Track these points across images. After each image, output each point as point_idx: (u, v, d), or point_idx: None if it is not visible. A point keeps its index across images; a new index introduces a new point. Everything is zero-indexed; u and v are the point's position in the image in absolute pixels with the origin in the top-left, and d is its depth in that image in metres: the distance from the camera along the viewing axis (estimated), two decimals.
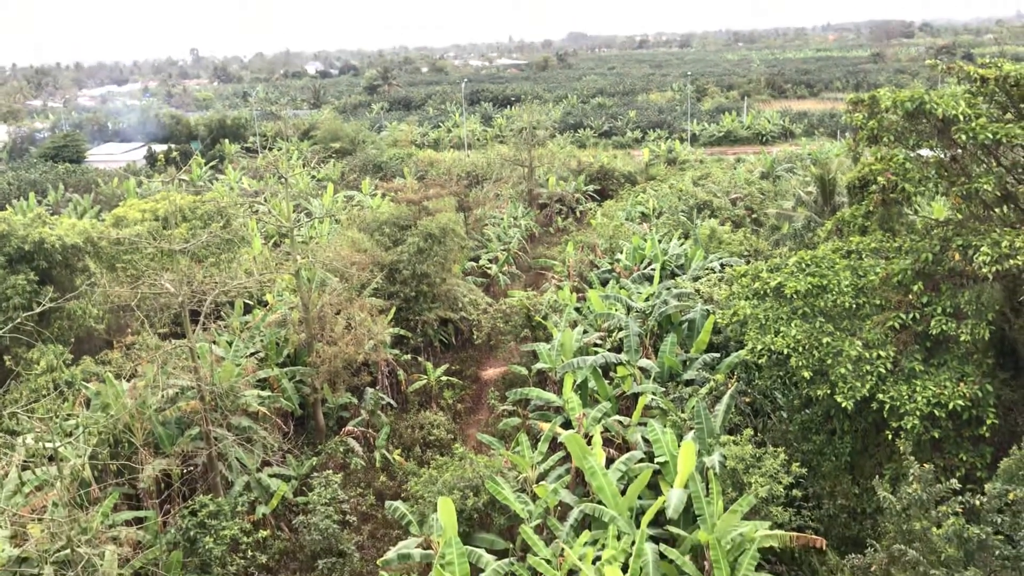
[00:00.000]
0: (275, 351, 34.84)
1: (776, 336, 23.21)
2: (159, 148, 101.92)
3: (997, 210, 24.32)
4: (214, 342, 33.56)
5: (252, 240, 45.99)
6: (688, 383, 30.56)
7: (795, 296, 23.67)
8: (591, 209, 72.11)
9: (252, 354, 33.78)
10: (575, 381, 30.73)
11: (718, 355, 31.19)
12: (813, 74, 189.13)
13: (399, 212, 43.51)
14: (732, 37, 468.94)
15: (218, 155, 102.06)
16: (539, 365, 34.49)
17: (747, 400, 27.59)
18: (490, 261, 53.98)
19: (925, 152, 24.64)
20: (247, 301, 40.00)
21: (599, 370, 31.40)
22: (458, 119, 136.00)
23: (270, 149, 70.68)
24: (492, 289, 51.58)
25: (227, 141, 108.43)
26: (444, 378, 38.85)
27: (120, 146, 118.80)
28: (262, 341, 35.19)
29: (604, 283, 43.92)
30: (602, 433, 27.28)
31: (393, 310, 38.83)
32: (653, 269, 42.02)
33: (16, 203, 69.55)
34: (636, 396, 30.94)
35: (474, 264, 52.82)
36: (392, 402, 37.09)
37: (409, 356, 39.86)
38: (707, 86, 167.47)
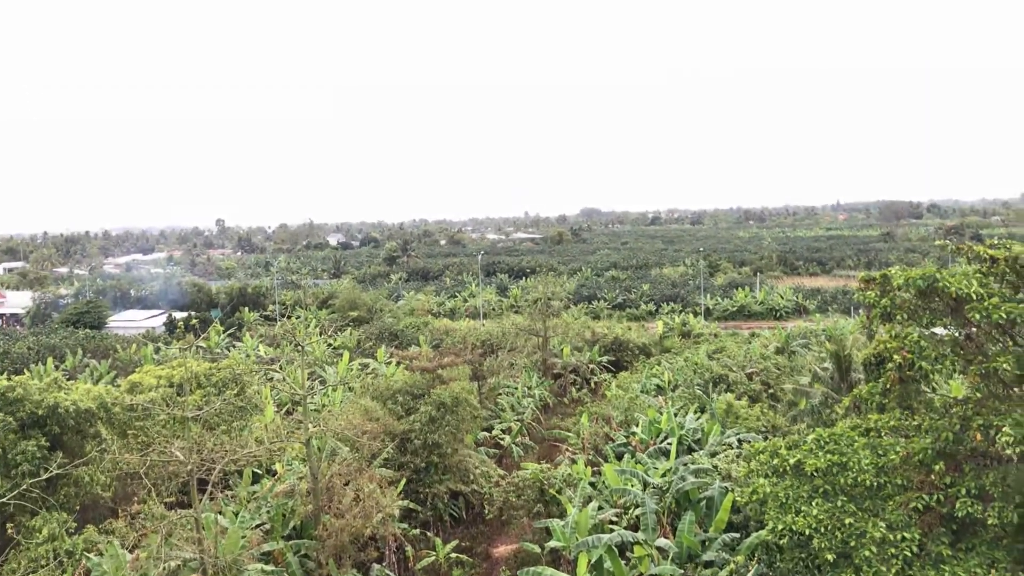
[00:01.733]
0: (281, 523, 34.01)
1: (797, 516, 22.52)
2: (179, 315, 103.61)
3: (1016, 389, 24.10)
4: (220, 512, 32.86)
5: (265, 408, 45.91)
6: (708, 564, 29.42)
7: (815, 474, 23.14)
8: (606, 380, 71.92)
9: (258, 526, 32.97)
10: (590, 560, 29.64)
11: (738, 535, 30.18)
12: (824, 252, 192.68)
13: (412, 380, 43.48)
14: (743, 215, 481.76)
15: (237, 323, 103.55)
16: (552, 543, 33.40)
17: None
18: (503, 431, 53.39)
19: (939, 330, 24.69)
20: (256, 470, 39.43)
21: (615, 549, 30.35)
22: (474, 289, 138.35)
23: (288, 317, 71.68)
24: (505, 461, 50.75)
25: (247, 309, 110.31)
26: (453, 555, 37.59)
27: (141, 312, 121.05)
28: (268, 512, 34.42)
29: (619, 457, 43.18)
30: None
31: (403, 481, 38.10)
32: (670, 443, 41.37)
33: (34, 368, 70.13)
34: None
35: (487, 434, 52.20)
36: None
37: (418, 530, 38.74)
38: (719, 262, 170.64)
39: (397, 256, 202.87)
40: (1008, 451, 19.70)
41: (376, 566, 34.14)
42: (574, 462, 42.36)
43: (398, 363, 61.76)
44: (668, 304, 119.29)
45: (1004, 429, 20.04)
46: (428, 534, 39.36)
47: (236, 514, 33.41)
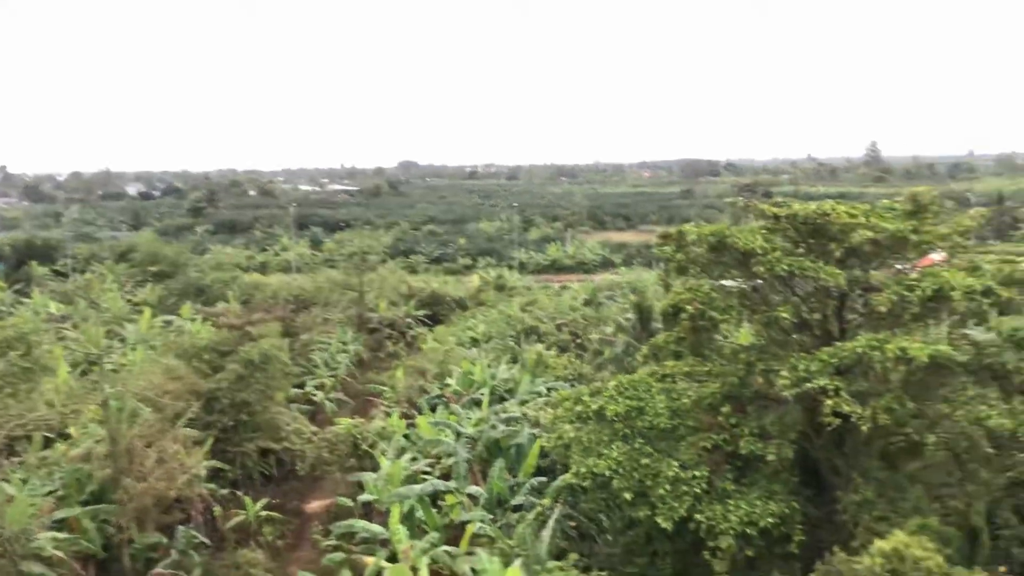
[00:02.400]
0: (76, 488, 32.17)
1: (599, 459, 23.69)
2: None
3: (795, 336, 26.28)
4: (5, 480, 30.66)
5: (57, 368, 43.03)
6: (516, 508, 30.45)
7: (615, 419, 24.38)
8: (422, 334, 72.22)
9: (50, 492, 31.04)
10: (402, 511, 29.98)
11: (545, 479, 31.37)
12: (631, 208, 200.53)
13: (220, 338, 42.03)
14: (556, 171, 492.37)
15: (25, 278, 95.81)
16: (365, 496, 33.50)
17: (573, 524, 27.74)
18: (316, 388, 52.65)
19: (729, 283, 26.46)
20: (48, 434, 36.98)
21: (427, 499, 30.84)
22: (286, 243, 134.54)
23: (83, 272, 67.12)
24: (318, 417, 50.10)
25: (35, 263, 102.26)
26: (264, 513, 36.92)
27: None
28: (62, 478, 32.46)
29: (433, 409, 43.67)
30: (430, 565, 26.57)
31: (210, 441, 36.90)
32: (482, 394, 42.25)
33: None
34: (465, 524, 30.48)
35: (299, 391, 51.27)
36: (206, 540, 34.76)
37: (227, 490, 37.72)
38: (533, 217, 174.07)
39: (203, 207, 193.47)
40: (785, 393, 21.50)
41: (182, 528, 33.05)
42: (388, 415, 42.49)
43: (204, 320, 59.40)
44: (484, 258, 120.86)
45: (782, 373, 21.85)
46: (238, 493, 38.40)
47: (24, 481, 31.29)
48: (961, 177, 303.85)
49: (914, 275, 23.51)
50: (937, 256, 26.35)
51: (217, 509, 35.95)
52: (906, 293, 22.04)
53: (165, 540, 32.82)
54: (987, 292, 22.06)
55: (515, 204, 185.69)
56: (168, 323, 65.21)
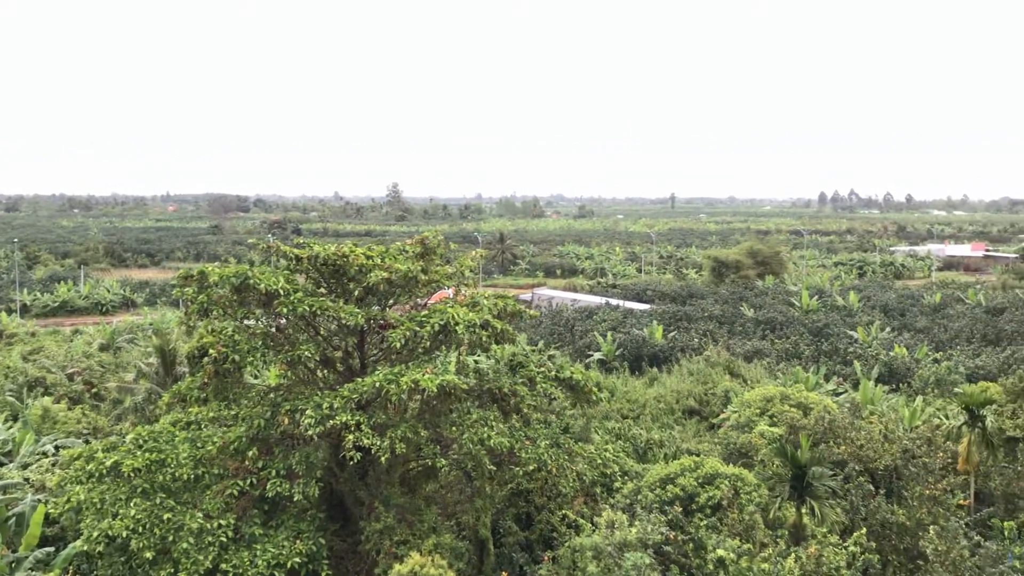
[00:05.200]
0: None
1: (115, 519, 21.95)
2: None
3: (320, 374, 26.97)
4: None
5: None
6: None
7: (133, 474, 22.78)
8: None
9: None
10: None
11: (53, 549, 28.11)
12: (154, 243, 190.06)
13: None
14: (67, 203, 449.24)
15: None
16: None
17: None
18: None
19: (253, 323, 26.31)
20: None
21: None
22: None
23: None
24: None
25: None
26: None
27: None
28: None
29: None
30: None
31: None
32: None
33: None
34: None
35: None
36: None
37: None
38: (39, 253, 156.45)
39: None
40: (310, 432, 21.88)
41: None
42: None
43: None
44: None
45: (307, 412, 22.22)
46: None
47: None
48: (471, 217, 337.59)
49: (425, 312, 25.52)
50: (450, 292, 28.89)
51: None
52: (418, 328, 23.84)
53: None
54: (485, 325, 24.75)
55: (15, 239, 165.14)
56: None
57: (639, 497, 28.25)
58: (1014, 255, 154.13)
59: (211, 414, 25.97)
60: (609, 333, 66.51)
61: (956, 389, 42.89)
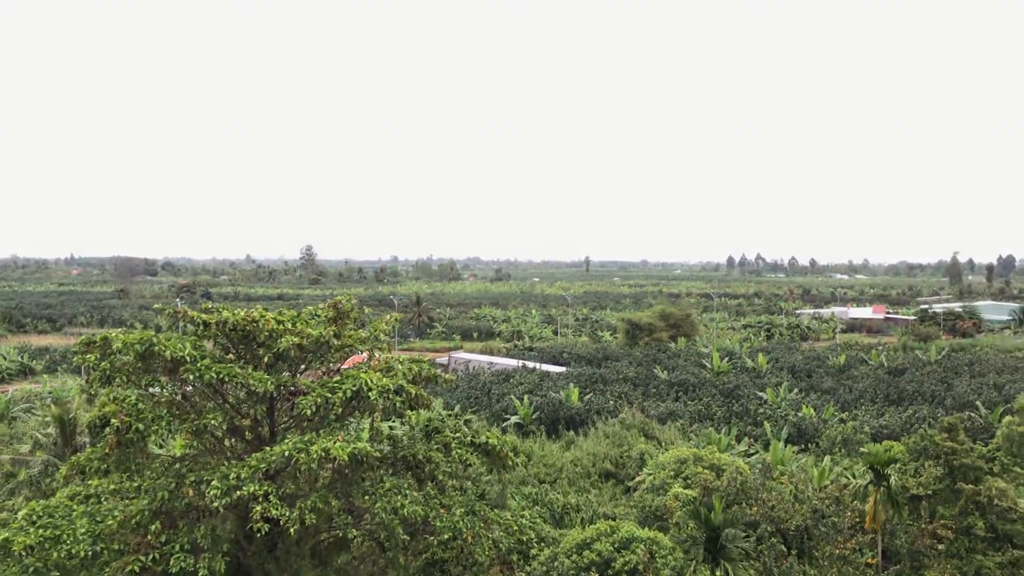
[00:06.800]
0: None
1: None
2: None
3: (228, 442, 26.17)
4: None
5: None
6: None
7: (24, 553, 21.56)
8: None
9: None
10: None
11: None
12: (56, 308, 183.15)
13: None
14: None
15: None
16: None
17: None
18: None
19: (158, 391, 25.47)
20: None
21: None
22: None
23: None
24: None
25: None
26: None
27: None
28: None
29: None
30: None
31: None
32: None
33: None
34: None
35: None
36: None
37: None
38: None
39: None
40: (216, 504, 21.11)
41: None
42: None
43: None
44: None
45: (213, 483, 21.47)
46: None
47: None
48: (387, 280, 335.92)
49: (337, 378, 25.11)
50: (364, 356, 28.51)
51: None
52: (329, 395, 23.40)
53: None
54: (399, 391, 24.48)
55: None
56: None
57: (556, 564, 28.06)
58: (913, 317, 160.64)
59: (112, 486, 24.88)
60: (526, 396, 66.55)
61: (861, 449, 44.11)
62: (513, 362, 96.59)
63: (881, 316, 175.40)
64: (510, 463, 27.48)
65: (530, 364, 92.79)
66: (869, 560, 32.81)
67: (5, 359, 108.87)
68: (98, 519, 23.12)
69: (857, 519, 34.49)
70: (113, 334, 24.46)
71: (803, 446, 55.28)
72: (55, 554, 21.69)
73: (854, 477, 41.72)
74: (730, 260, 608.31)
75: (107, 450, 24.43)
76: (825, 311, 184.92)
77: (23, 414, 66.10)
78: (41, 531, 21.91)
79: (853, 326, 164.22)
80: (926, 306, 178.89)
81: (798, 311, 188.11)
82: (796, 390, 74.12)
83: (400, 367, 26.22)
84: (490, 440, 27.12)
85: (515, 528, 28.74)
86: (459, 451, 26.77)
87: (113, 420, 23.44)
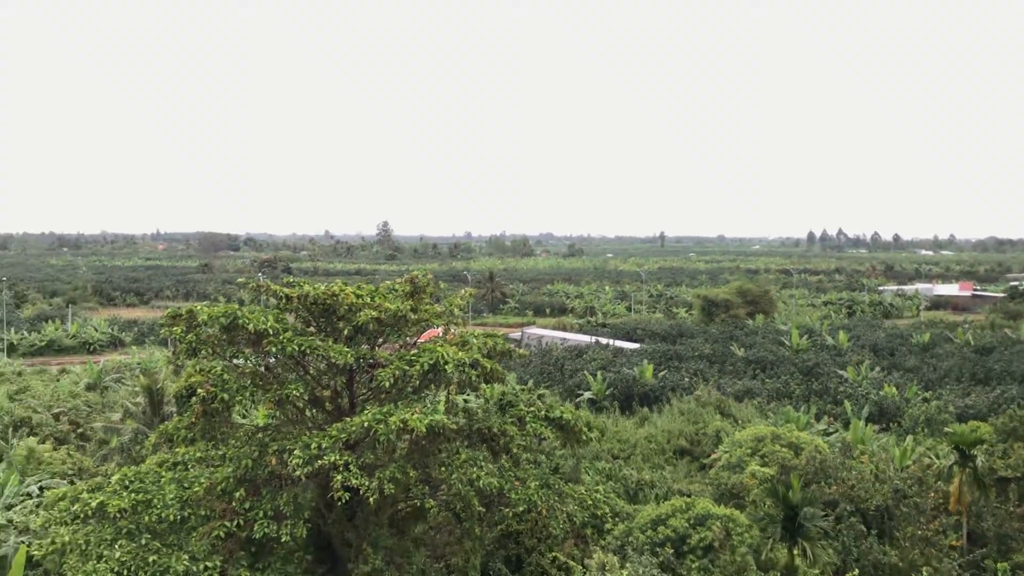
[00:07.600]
0: None
1: (99, 561, 21.63)
2: None
3: (309, 413, 26.80)
4: None
5: None
6: None
7: (119, 515, 22.53)
8: None
9: None
10: None
11: None
12: (143, 282, 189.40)
13: None
14: (56, 241, 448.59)
15: None
16: None
17: None
18: None
19: (241, 362, 26.19)
20: None
21: None
22: None
23: None
24: None
25: None
26: None
27: None
28: None
29: None
30: None
31: None
32: None
33: None
34: None
35: None
36: None
37: None
38: (27, 292, 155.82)
39: None
40: (298, 472, 21.67)
41: None
42: None
43: None
44: None
45: (295, 452, 22.03)
46: None
47: None
48: (461, 256, 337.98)
49: (414, 351, 25.44)
50: (439, 331, 28.83)
51: None
52: (407, 368, 23.72)
53: None
54: (474, 364, 24.66)
55: (3, 278, 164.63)
56: None
57: (630, 539, 28.06)
58: (1002, 295, 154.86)
59: (198, 454, 25.76)
60: (599, 372, 66.43)
61: (946, 429, 42.88)
62: (586, 338, 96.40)
63: (968, 293, 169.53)
64: (584, 438, 27.46)
65: (603, 340, 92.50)
66: (953, 543, 31.97)
67: (96, 331, 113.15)
68: (185, 485, 24.00)
69: (941, 500, 33.62)
70: (198, 307, 25.19)
71: (884, 425, 53.98)
72: (147, 517, 22.61)
73: (938, 458, 40.60)
74: (810, 235, 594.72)
75: (193, 419, 25.25)
76: (909, 288, 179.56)
77: (114, 384, 68.71)
78: (134, 495, 22.86)
79: (938, 304, 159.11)
80: (1016, 283, 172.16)
81: (881, 288, 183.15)
82: (878, 368, 72.28)
83: (475, 341, 26.42)
84: (564, 415, 27.15)
85: (589, 502, 28.81)
86: (533, 425, 26.86)
87: (199, 390, 24.21)
